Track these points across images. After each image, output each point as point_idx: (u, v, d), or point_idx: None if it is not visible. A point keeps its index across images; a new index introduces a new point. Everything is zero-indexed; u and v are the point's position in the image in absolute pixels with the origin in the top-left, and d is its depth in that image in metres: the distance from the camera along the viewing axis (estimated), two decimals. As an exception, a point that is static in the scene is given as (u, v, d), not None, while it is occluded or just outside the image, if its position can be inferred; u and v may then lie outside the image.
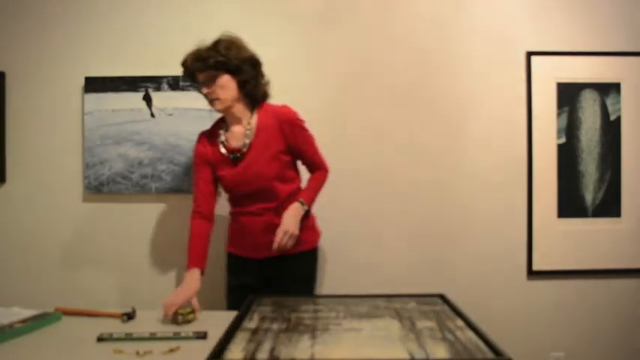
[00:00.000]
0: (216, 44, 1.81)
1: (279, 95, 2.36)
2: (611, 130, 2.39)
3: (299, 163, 1.99)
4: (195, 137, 1.97)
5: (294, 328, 1.32)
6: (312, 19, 2.38)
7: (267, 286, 1.92)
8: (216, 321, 1.49)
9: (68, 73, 2.36)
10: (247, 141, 1.83)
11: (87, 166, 2.34)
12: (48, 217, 2.38)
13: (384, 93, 2.39)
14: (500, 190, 2.40)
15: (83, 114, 2.35)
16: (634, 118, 2.39)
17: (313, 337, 1.25)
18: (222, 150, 1.87)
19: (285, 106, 1.90)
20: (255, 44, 2.37)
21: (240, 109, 1.86)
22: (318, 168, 1.96)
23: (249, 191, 1.86)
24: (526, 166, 2.39)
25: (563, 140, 2.39)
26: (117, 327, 1.50)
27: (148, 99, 2.35)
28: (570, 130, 2.39)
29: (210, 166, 1.90)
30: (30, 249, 2.38)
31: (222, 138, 1.88)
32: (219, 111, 1.85)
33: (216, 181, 1.93)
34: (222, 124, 1.93)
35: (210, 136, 1.94)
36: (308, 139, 1.93)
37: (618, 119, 2.39)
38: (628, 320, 2.41)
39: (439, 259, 2.39)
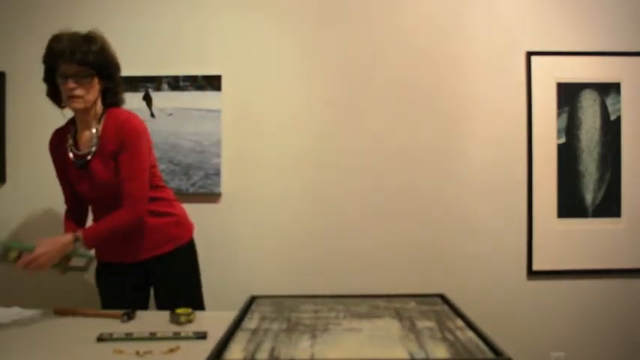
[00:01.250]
0: (91, 41, 1.67)
1: (277, 96, 2.38)
2: (611, 130, 2.39)
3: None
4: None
5: (294, 328, 1.32)
6: (310, 19, 2.38)
7: (147, 284, 1.89)
8: (216, 321, 1.49)
9: (68, 73, 2.36)
10: (93, 148, 1.72)
11: (87, 166, 2.34)
12: (48, 217, 2.38)
13: (383, 93, 2.39)
14: (501, 189, 2.40)
15: (83, 114, 2.35)
16: (634, 118, 2.40)
17: (313, 337, 1.25)
18: (70, 155, 1.77)
19: (131, 115, 1.77)
20: (254, 45, 2.39)
21: (94, 112, 1.74)
22: (125, 198, 1.69)
23: (102, 198, 1.75)
24: (526, 166, 2.39)
25: (563, 140, 2.39)
26: (117, 327, 1.49)
27: (148, 99, 2.35)
28: (570, 130, 2.39)
29: (62, 168, 1.83)
30: (30, 249, 2.38)
31: (71, 142, 1.78)
32: (76, 109, 1.71)
33: None
34: (71, 127, 1.81)
35: (61, 137, 1.83)
36: (133, 155, 1.71)
37: (618, 119, 2.39)
38: (628, 320, 2.41)
39: (439, 259, 2.39)
